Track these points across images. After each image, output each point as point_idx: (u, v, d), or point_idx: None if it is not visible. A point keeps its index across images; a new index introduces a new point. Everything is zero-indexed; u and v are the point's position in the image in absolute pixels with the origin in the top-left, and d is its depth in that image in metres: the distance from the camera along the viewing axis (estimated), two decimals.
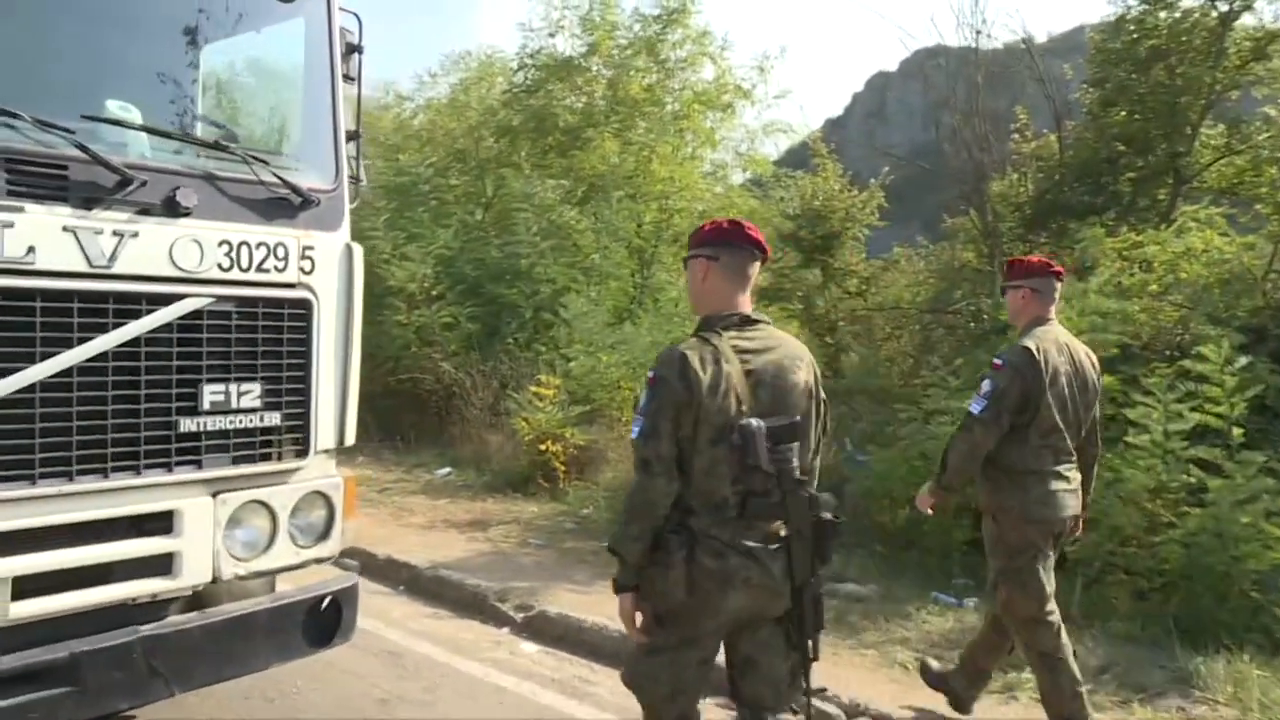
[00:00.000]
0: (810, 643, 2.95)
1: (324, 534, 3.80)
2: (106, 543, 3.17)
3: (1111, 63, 9.55)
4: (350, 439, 3.87)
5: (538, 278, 12.10)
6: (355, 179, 4.11)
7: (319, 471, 3.77)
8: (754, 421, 2.79)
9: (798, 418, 2.90)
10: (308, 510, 3.73)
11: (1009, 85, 11.26)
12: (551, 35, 14.42)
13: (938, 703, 4.63)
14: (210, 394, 3.35)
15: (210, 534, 3.41)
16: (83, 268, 3.02)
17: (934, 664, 4.83)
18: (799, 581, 2.89)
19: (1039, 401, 4.07)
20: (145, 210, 3.17)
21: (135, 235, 3.14)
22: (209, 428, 3.36)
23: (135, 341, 3.14)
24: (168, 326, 3.22)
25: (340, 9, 3.92)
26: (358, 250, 3.83)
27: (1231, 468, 5.55)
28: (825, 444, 3.33)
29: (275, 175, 3.51)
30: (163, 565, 3.31)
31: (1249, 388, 5.85)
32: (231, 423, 3.42)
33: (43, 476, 2.98)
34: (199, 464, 3.35)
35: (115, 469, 3.14)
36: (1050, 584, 4.17)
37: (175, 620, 3.33)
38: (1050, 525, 4.16)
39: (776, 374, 2.93)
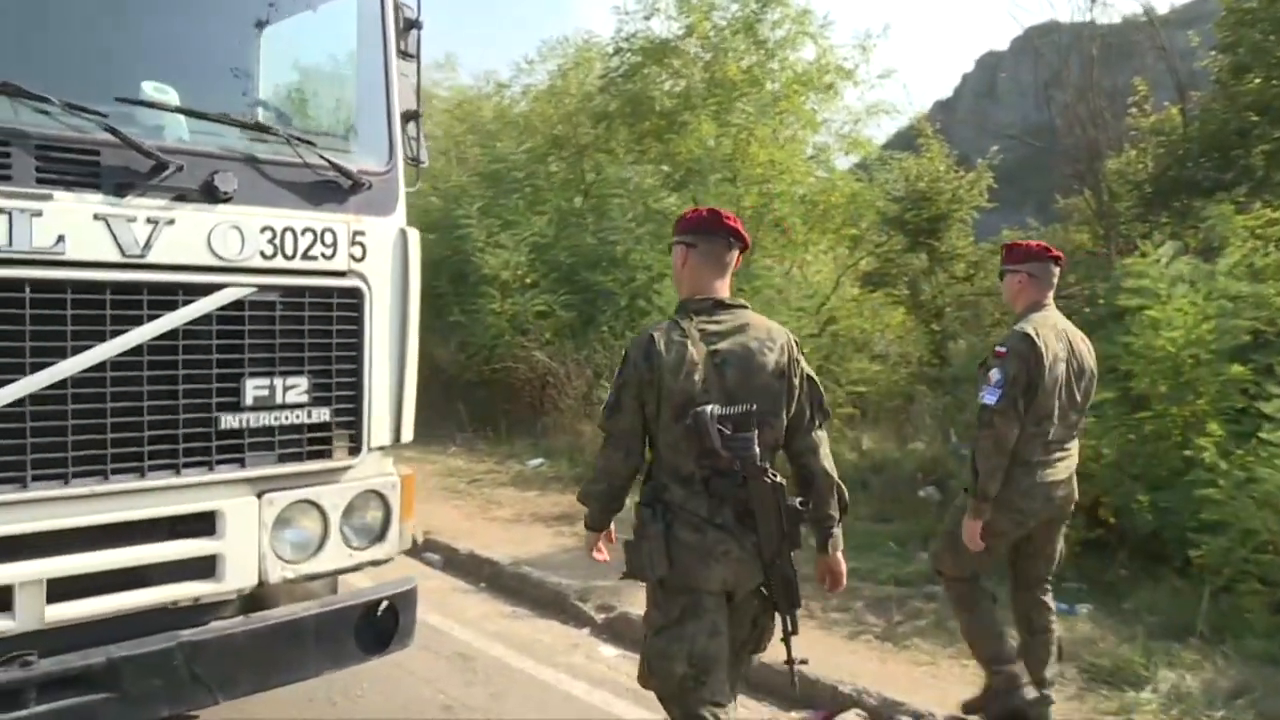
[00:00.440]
0: (787, 618, 3.00)
1: (379, 535, 3.62)
2: (145, 544, 3.03)
3: (1246, 24, 8.75)
4: (408, 435, 3.68)
5: (633, 264, 11.86)
6: (415, 161, 3.92)
7: (373, 470, 3.59)
8: (707, 409, 2.86)
9: (753, 406, 2.92)
10: (361, 510, 3.55)
11: (1127, 59, 10.55)
12: (647, 18, 14.06)
13: None
14: (253, 389, 3.19)
15: (255, 535, 3.25)
16: (115, 257, 2.88)
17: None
18: (766, 559, 2.93)
19: (1036, 388, 3.97)
20: (181, 196, 3.01)
21: (171, 223, 2.98)
22: (252, 424, 3.20)
23: (172, 334, 2.99)
24: (206, 318, 3.06)
25: None
26: (413, 235, 3.63)
27: None
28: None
29: (322, 157, 3.32)
30: (205, 568, 3.16)
31: None
32: (277, 419, 3.26)
33: (76, 476, 2.86)
34: (242, 462, 3.19)
35: (152, 468, 3.00)
36: (987, 566, 4.22)
37: (219, 625, 3.18)
38: (1025, 516, 4.09)
39: (744, 355, 2.99)
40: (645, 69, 13.82)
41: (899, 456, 8.75)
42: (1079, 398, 4.13)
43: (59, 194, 2.79)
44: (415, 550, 7.17)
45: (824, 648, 5.06)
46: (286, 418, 3.28)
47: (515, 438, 11.06)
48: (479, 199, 13.15)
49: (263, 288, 3.18)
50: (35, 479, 2.79)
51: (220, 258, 3.08)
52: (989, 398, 3.96)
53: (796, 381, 3.08)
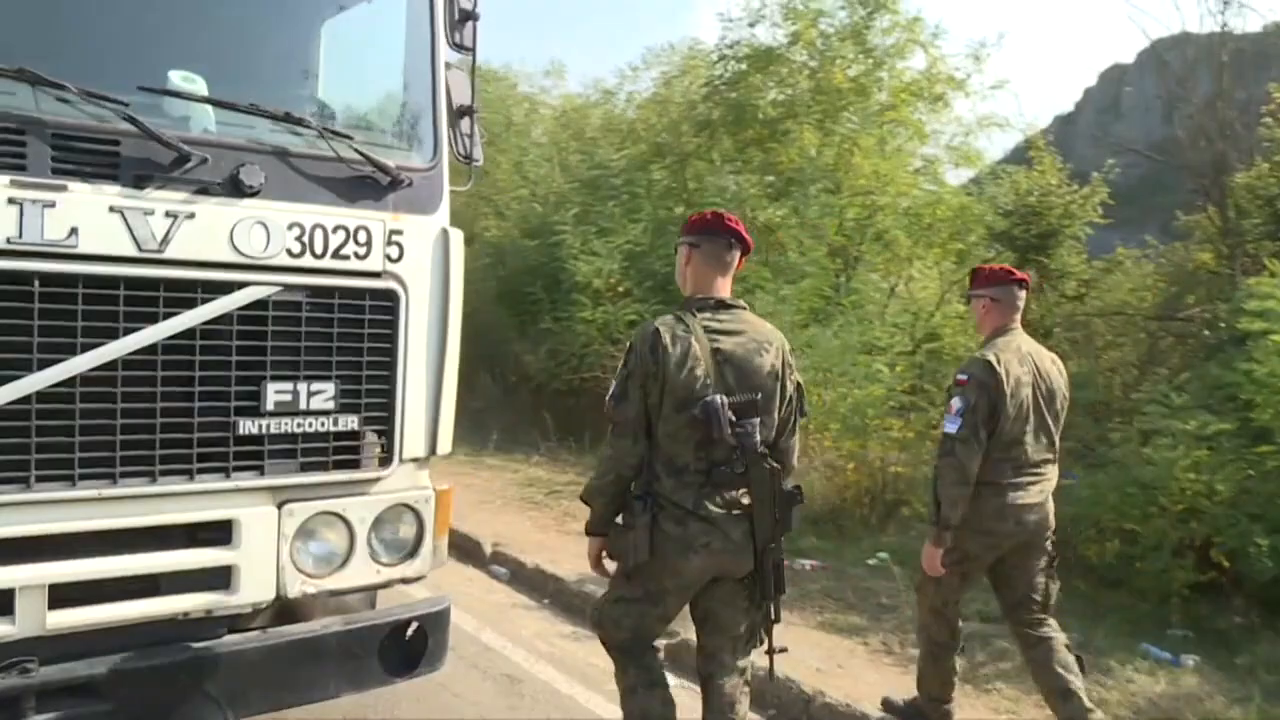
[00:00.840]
0: (772, 605, 3.19)
1: (411, 552, 3.43)
2: (155, 552, 2.90)
3: None
4: (445, 447, 3.49)
5: None
6: (468, 158, 3.75)
7: (406, 482, 3.40)
8: (718, 397, 3.01)
9: (756, 395, 3.09)
10: (391, 524, 3.37)
11: (1264, 68, 9.81)
12: (752, 25, 13.79)
13: None
14: (275, 393, 3.04)
15: (274, 547, 3.10)
16: (130, 251, 2.76)
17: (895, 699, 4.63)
18: (760, 545, 3.11)
19: (999, 413, 3.97)
20: (204, 190, 2.88)
21: (191, 217, 2.85)
22: (273, 430, 3.04)
23: (189, 334, 2.86)
24: (226, 318, 2.92)
25: None
26: (456, 236, 3.44)
27: None
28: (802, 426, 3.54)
29: (358, 151, 3.16)
30: (219, 579, 3.02)
31: None
32: (300, 425, 3.10)
33: (83, 478, 2.74)
34: (261, 470, 3.04)
35: (164, 472, 2.87)
36: (963, 590, 4.23)
37: (232, 640, 3.04)
38: (996, 539, 4.07)
39: (743, 355, 3.14)
40: (749, 77, 13.55)
41: None
42: (1049, 421, 4.13)
43: (74, 185, 2.67)
44: (483, 562, 7.05)
45: (899, 687, 4.71)
46: (311, 425, 3.12)
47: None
48: (576, 206, 13.05)
49: (288, 287, 3.03)
50: (40, 480, 2.68)
51: (243, 254, 2.94)
52: (950, 426, 4.00)
53: (789, 385, 3.25)
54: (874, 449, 8.12)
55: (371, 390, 3.24)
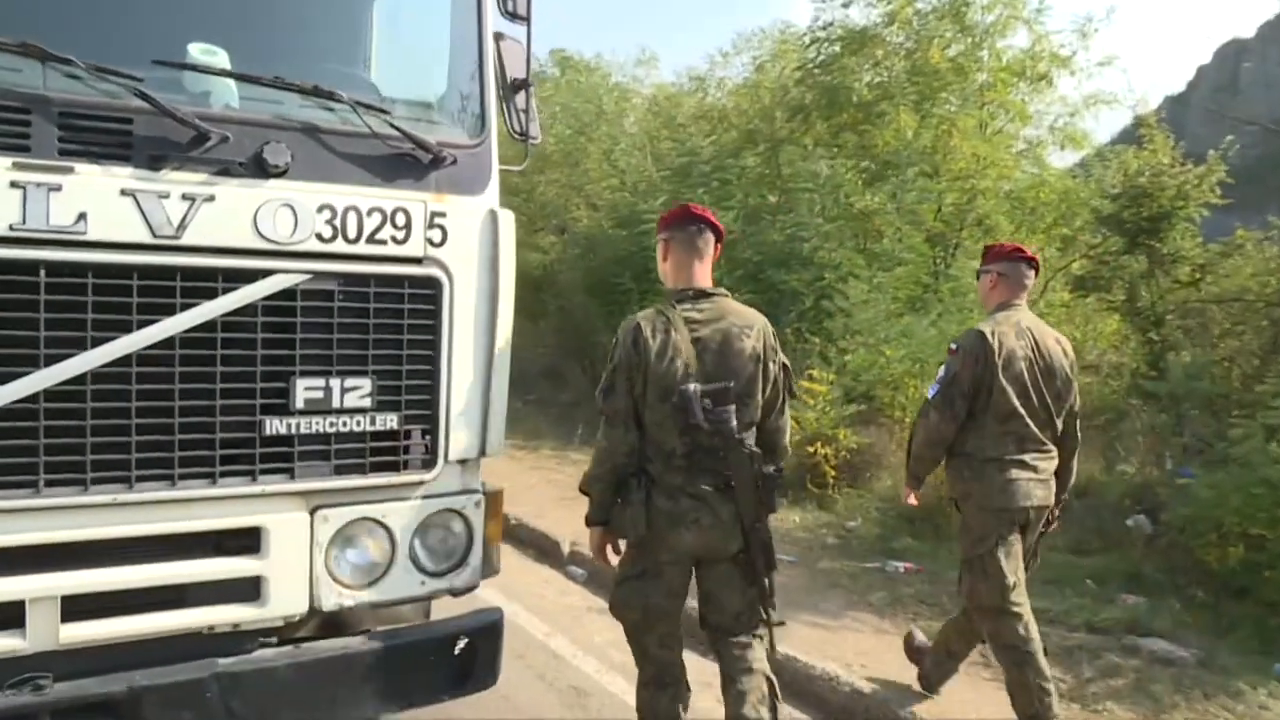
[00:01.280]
0: (766, 580, 3.36)
1: (460, 561, 3.18)
2: (176, 561, 2.70)
3: None
4: (496, 448, 3.22)
5: (820, 263, 11.14)
6: (523, 135, 3.48)
7: (454, 485, 3.15)
8: (691, 386, 3.18)
9: (731, 383, 3.22)
10: (438, 531, 3.13)
11: None
12: (845, 5, 13.29)
13: None
14: (305, 390, 2.81)
15: (306, 556, 2.87)
16: (144, 238, 2.56)
17: (920, 636, 4.80)
18: (746, 525, 3.28)
19: (991, 385, 4.01)
20: (225, 170, 2.66)
21: (210, 200, 2.64)
22: (304, 430, 2.82)
23: (209, 326, 2.64)
24: (250, 308, 2.70)
25: None
26: (506, 217, 3.17)
27: None
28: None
29: (394, 126, 2.91)
30: (246, 590, 2.80)
31: None
32: (333, 425, 2.87)
33: (96, 482, 2.55)
34: (291, 473, 2.82)
35: (184, 476, 2.66)
36: (1015, 574, 4.07)
37: (260, 656, 2.82)
38: (1011, 514, 4.07)
39: (723, 341, 3.30)
40: (843, 59, 13.05)
41: (1105, 480, 7.73)
42: (1049, 397, 4.12)
43: (82, 167, 2.48)
44: (560, 562, 6.80)
45: (995, 704, 4.31)
46: (345, 424, 2.89)
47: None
48: (665, 194, 12.74)
49: (318, 274, 2.80)
50: (49, 484, 2.50)
51: (268, 240, 2.72)
52: (931, 391, 4.16)
53: (773, 367, 3.39)
54: None
55: (413, 386, 3.00)
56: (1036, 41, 12.64)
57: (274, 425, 2.77)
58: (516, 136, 3.48)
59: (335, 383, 2.85)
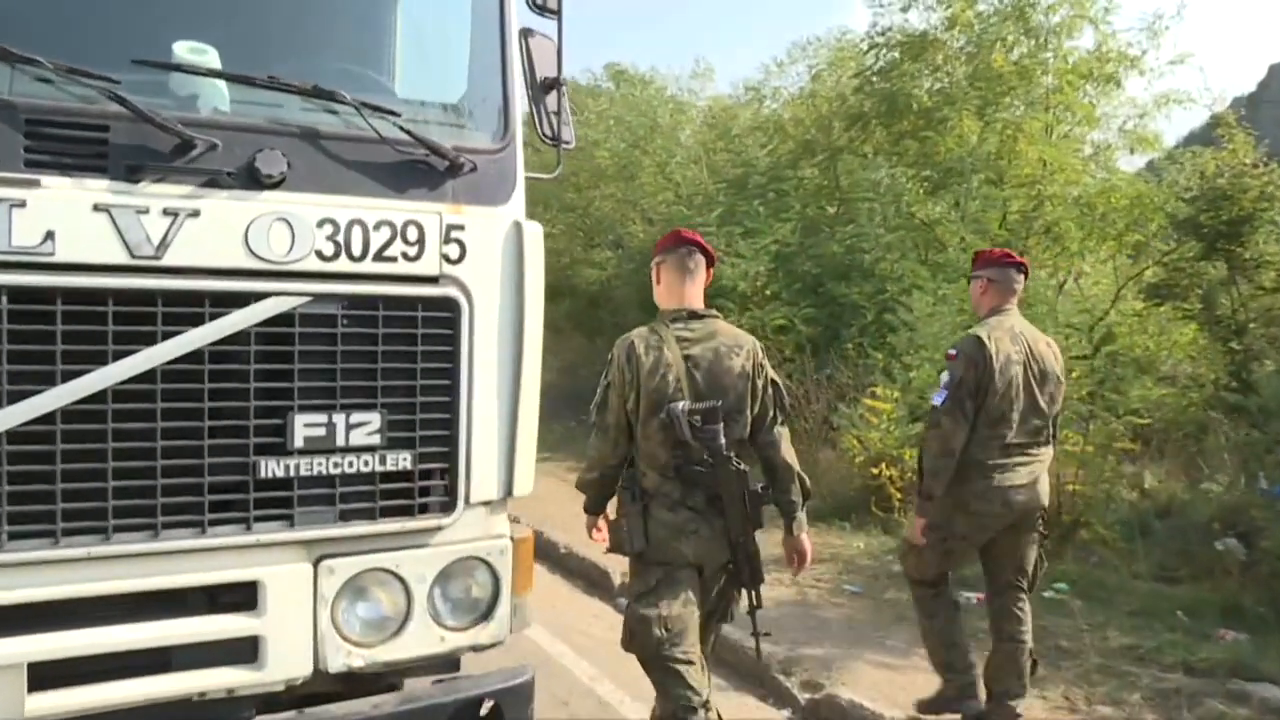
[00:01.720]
0: (753, 593, 3.39)
1: (485, 614, 2.85)
2: (160, 620, 2.40)
3: None
4: (524, 487, 2.89)
5: (882, 274, 10.71)
6: (555, 139, 3.16)
7: (476, 530, 2.82)
8: (679, 404, 3.26)
9: (719, 402, 3.28)
10: (459, 581, 2.81)
11: None
12: (904, 9, 12.85)
13: None
14: (305, 427, 2.50)
15: (309, 612, 2.56)
16: (121, 259, 2.28)
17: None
18: (734, 539, 3.32)
19: (987, 389, 4.07)
20: (213, 182, 2.38)
21: (195, 215, 2.35)
22: (304, 472, 2.51)
23: (195, 356, 2.35)
24: (242, 336, 2.40)
25: None
26: (533, 230, 2.85)
27: None
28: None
29: (406, 131, 2.61)
30: (242, 651, 2.50)
31: None
32: (338, 465, 2.56)
33: (68, 534, 2.27)
34: (289, 520, 2.52)
35: (168, 525, 2.37)
36: (945, 566, 4.32)
37: None
38: (985, 520, 4.15)
39: (713, 360, 3.37)
40: (902, 65, 12.61)
41: (1190, 499, 7.21)
42: (1042, 402, 4.18)
43: (50, 179, 2.21)
44: (611, 594, 6.46)
45: None
46: (351, 464, 2.58)
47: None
48: (720, 206, 12.40)
49: (319, 297, 2.50)
50: (13, 538, 2.22)
51: (261, 259, 2.43)
52: (937, 399, 4.14)
53: (760, 384, 3.44)
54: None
55: (428, 420, 2.68)
56: (1103, 42, 12.10)
57: (270, 467, 2.47)
58: (547, 141, 3.17)
59: (340, 418, 2.55)
